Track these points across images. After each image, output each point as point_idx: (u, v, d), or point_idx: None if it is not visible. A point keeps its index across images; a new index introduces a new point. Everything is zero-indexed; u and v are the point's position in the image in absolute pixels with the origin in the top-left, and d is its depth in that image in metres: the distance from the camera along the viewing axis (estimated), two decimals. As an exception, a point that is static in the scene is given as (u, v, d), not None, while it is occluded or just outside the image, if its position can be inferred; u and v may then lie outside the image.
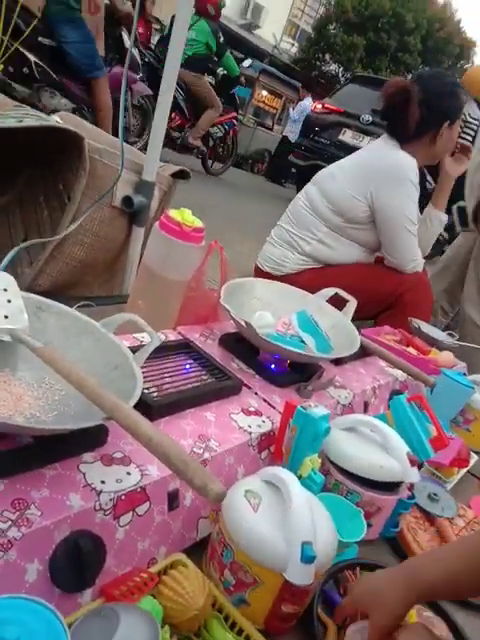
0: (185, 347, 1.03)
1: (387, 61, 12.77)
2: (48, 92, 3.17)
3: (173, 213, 1.09)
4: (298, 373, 1.10)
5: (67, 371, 0.62)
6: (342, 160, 1.79)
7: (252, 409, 0.95)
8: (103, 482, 0.66)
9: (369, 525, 0.89)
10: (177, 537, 0.75)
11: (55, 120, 1.16)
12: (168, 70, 1.25)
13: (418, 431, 1.00)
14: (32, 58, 2.98)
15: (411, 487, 0.91)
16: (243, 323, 1.02)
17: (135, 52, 3.79)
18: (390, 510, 0.89)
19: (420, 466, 1.12)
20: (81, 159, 1.18)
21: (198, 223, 1.10)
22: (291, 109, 8.86)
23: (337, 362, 1.26)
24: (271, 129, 10.10)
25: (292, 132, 8.13)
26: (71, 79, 3.17)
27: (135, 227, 1.37)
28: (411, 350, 1.48)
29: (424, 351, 1.49)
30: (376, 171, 1.64)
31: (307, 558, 0.62)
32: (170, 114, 4.91)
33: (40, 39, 2.98)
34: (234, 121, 5.70)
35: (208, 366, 1.00)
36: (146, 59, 4.31)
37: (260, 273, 1.82)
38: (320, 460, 0.87)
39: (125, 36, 3.49)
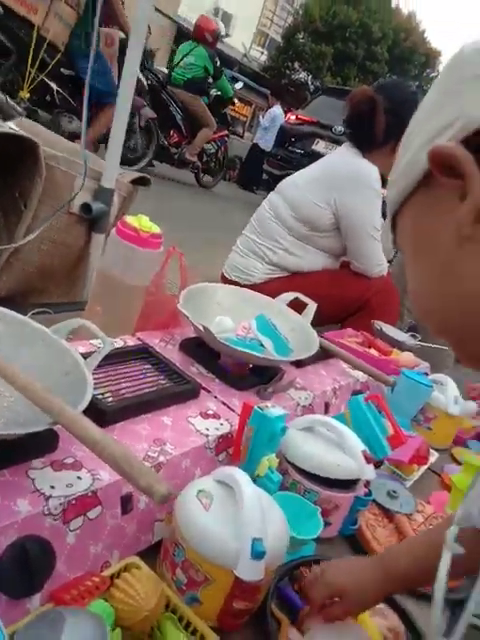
0: (143, 352, 1.03)
1: (355, 70, 13.02)
2: (66, 117, 3.64)
3: (130, 219, 1.10)
4: (258, 376, 1.11)
5: (11, 376, 0.62)
6: (305, 169, 1.83)
7: (210, 412, 0.95)
8: (53, 487, 0.65)
9: (327, 523, 0.91)
10: (131, 540, 0.75)
11: (8, 127, 1.16)
12: (124, 84, 1.26)
13: (375, 429, 1.02)
14: (54, 87, 3.43)
15: (368, 484, 0.93)
16: (201, 328, 1.03)
17: (142, 77, 4.22)
18: (348, 508, 0.91)
19: (380, 464, 1.15)
20: (37, 166, 1.18)
21: (155, 229, 1.11)
22: (261, 117, 8.94)
23: (299, 364, 1.27)
24: (242, 137, 10.19)
25: (262, 139, 8.21)
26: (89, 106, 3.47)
27: (94, 234, 1.37)
28: (373, 351, 1.51)
29: (385, 352, 1.52)
30: (339, 179, 1.67)
31: (257, 554, 0.63)
32: (169, 131, 5.09)
33: (62, 70, 3.41)
34: (226, 138, 6.12)
35: (166, 371, 1.00)
36: (149, 82, 4.66)
37: (227, 282, 1.83)
38: (278, 460, 0.89)
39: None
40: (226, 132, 6.11)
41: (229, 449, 0.93)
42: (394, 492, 1.03)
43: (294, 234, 1.73)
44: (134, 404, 0.86)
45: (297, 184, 1.77)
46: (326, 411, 1.20)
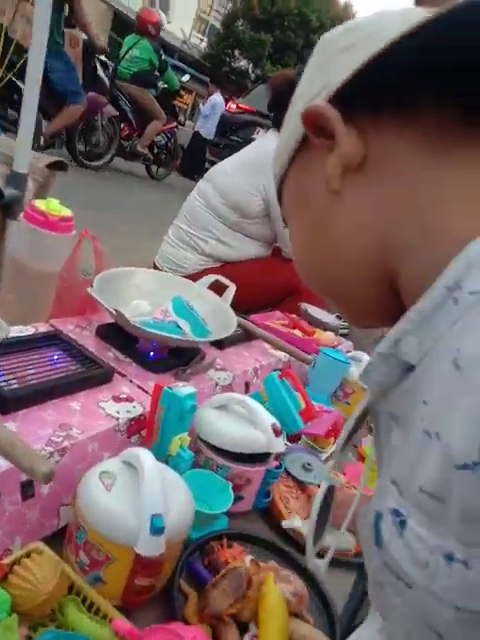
0: (53, 339, 1.01)
1: (295, 58, 13.10)
2: None
3: (38, 203, 1.07)
4: (178, 359, 1.11)
5: None
6: (234, 155, 1.83)
7: (123, 396, 0.95)
8: None
9: (240, 497, 0.93)
10: (35, 526, 0.74)
11: None
12: (32, 62, 1.22)
13: (288, 405, 1.05)
14: (22, 85, 3.22)
15: (278, 457, 0.95)
16: (113, 311, 1.02)
17: (102, 74, 4.52)
18: (259, 481, 0.93)
19: (298, 438, 1.18)
20: None
21: (66, 212, 1.09)
22: (201, 104, 8.85)
23: (220, 346, 1.29)
24: (182, 125, 10.05)
25: (203, 127, 8.12)
26: (51, 103, 3.82)
27: (8, 220, 1.32)
28: (296, 332, 1.55)
29: (308, 332, 1.56)
30: (267, 164, 1.68)
31: (156, 530, 0.64)
32: (120, 125, 5.01)
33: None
34: (175, 130, 6.19)
35: (78, 357, 0.99)
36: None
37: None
38: (189, 438, 0.90)
39: (99, 66, 4.38)
40: (175, 124, 6.19)
41: (143, 431, 0.93)
42: (308, 465, 1.07)
43: (225, 222, 1.74)
44: (39, 390, 0.84)
45: (226, 171, 1.78)
46: (247, 390, 1.22)
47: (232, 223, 1.72)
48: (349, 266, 0.37)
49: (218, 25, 14.99)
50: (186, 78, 7.37)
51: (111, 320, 1.16)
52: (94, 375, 0.94)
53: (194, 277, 1.71)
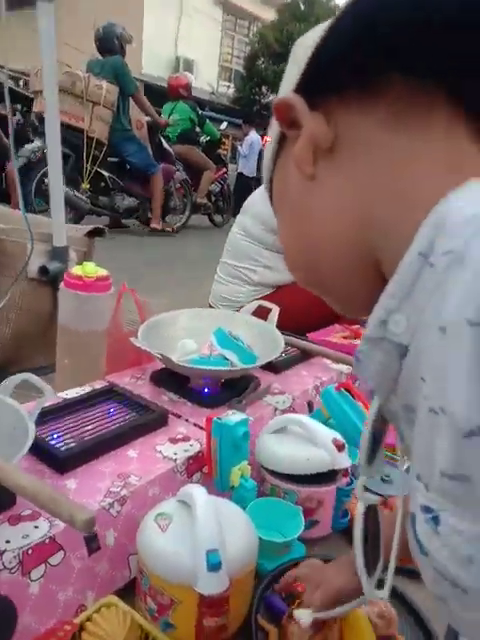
0: (109, 393, 1.04)
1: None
2: (120, 196, 4.55)
3: (74, 269, 1.13)
4: (231, 390, 1.10)
5: None
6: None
7: (180, 436, 0.95)
8: (8, 542, 0.66)
9: (316, 522, 0.89)
10: (106, 579, 0.74)
11: None
12: (50, 137, 1.32)
13: (351, 417, 1.00)
14: (106, 174, 4.35)
15: (347, 473, 0.90)
16: (159, 356, 1.04)
17: (167, 147, 5.14)
18: (332, 502, 0.89)
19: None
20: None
21: (102, 272, 1.14)
22: (239, 146, 9.11)
23: (276, 371, 1.26)
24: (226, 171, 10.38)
25: (246, 167, 8.33)
26: (132, 182, 4.56)
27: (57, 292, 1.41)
28: (358, 341, 1.49)
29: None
30: None
31: (212, 566, 0.62)
32: (190, 187, 5.62)
33: (109, 159, 4.36)
34: (225, 175, 6.56)
35: (133, 405, 1.01)
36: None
37: None
38: (250, 467, 0.87)
39: (163, 141, 5.04)
40: (224, 170, 6.55)
41: (205, 468, 0.92)
42: (388, 477, 1.00)
43: (268, 248, 1.74)
44: (95, 445, 0.86)
45: (254, 198, 1.80)
46: (310, 410, 1.18)
47: (271, 245, 1.72)
48: (332, 252, 0.36)
49: (241, 68, 15.54)
50: (224, 126, 7.73)
51: (162, 365, 1.18)
52: (148, 421, 0.95)
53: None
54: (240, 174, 8.51)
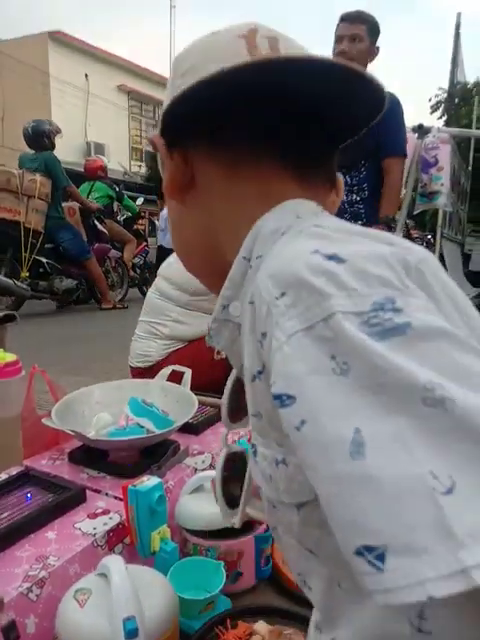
0: (24, 477, 1.04)
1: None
2: (58, 278, 4.90)
3: (-20, 358, 1.14)
4: (151, 457, 1.13)
5: None
6: None
7: (99, 511, 0.96)
8: None
9: (239, 573, 0.91)
10: (29, 669, 0.73)
11: None
12: None
13: (264, 466, 1.05)
14: (44, 260, 4.73)
15: (263, 521, 0.94)
16: (73, 433, 1.05)
17: (101, 228, 5.54)
18: (252, 551, 0.92)
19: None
20: None
21: (9, 357, 1.15)
22: (156, 221, 9.38)
23: (196, 432, 1.30)
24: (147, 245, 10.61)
25: (164, 240, 8.55)
26: (69, 265, 4.92)
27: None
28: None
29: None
30: None
31: (129, 633, 0.63)
32: (123, 263, 6.01)
33: (46, 245, 4.76)
34: (147, 248, 7.02)
35: (50, 486, 1.01)
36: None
37: (134, 371, 1.88)
38: (169, 530, 0.90)
39: (97, 223, 5.44)
40: (145, 243, 7.02)
41: (126, 539, 0.93)
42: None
43: (179, 304, 1.84)
44: (9, 531, 0.86)
45: (169, 262, 1.93)
46: (230, 466, 1.22)
47: (185, 303, 1.82)
48: (196, 253, 0.50)
49: (151, 148, 16.27)
50: (140, 201, 8.04)
51: (80, 443, 1.19)
52: (65, 499, 0.96)
53: (161, 364, 1.76)
54: (160, 247, 8.72)
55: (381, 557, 0.23)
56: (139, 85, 17.25)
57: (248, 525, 0.93)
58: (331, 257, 0.29)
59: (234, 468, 0.55)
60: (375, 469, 0.24)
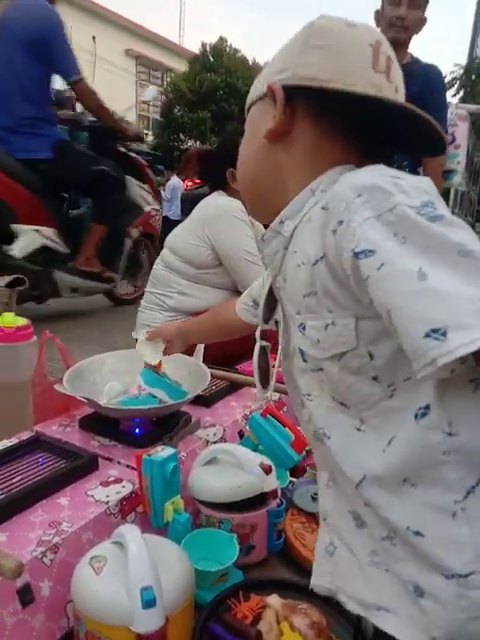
0: (36, 443, 1.03)
1: (235, 124, 13.80)
2: None
3: (-7, 321, 1.12)
4: (164, 428, 1.12)
5: None
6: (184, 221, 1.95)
7: (111, 479, 0.95)
8: None
9: (252, 546, 0.91)
10: (43, 632, 0.73)
11: None
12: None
13: (278, 441, 1.04)
14: None
15: (277, 495, 0.94)
16: (85, 400, 1.04)
17: None
18: (265, 524, 0.92)
19: (303, 472, 1.17)
20: None
21: (21, 321, 1.13)
22: (162, 191, 9.27)
23: (208, 404, 1.29)
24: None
25: (169, 211, 8.48)
26: None
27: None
28: (283, 369, 1.55)
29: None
30: (207, 216, 1.80)
31: (146, 603, 0.63)
32: None
33: None
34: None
35: (61, 453, 1.00)
36: None
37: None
38: (182, 501, 0.89)
39: None
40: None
41: (139, 508, 0.92)
42: (316, 495, 1.04)
43: (184, 277, 1.82)
44: (22, 496, 0.85)
45: (176, 233, 1.89)
46: (242, 438, 1.22)
47: (190, 276, 1.80)
48: (262, 186, 0.59)
49: (158, 117, 15.96)
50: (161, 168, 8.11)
51: (91, 410, 1.18)
52: (77, 466, 0.95)
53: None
54: (165, 217, 8.64)
55: (444, 333, 0.34)
56: (148, 50, 16.81)
57: (262, 499, 0.92)
58: (394, 176, 0.43)
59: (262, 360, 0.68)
60: (435, 284, 0.36)
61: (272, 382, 0.67)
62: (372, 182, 0.42)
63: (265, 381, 0.67)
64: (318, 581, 0.53)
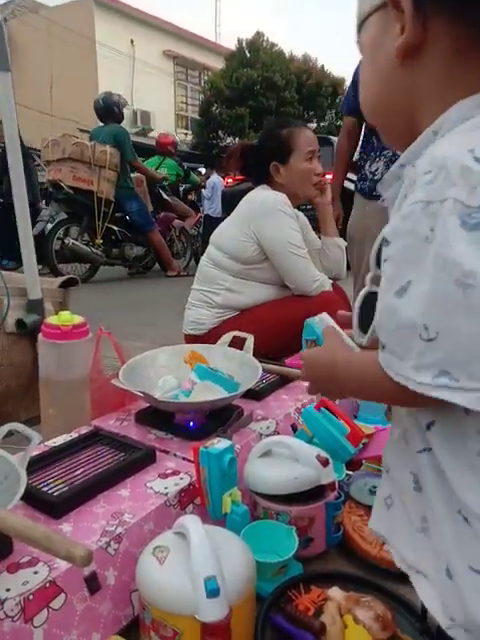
0: (95, 437, 1.06)
1: (274, 118, 13.74)
2: (128, 246, 5.25)
3: (51, 319, 1.16)
4: (217, 421, 1.13)
5: None
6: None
7: (169, 471, 0.97)
8: (8, 590, 0.66)
9: (310, 539, 0.90)
10: (110, 619, 0.75)
11: None
12: (18, 200, 1.36)
13: (333, 433, 1.03)
14: (115, 228, 5.07)
15: (334, 487, 0.93)
16: (142, 394, 1.06)
17: (166, 196, 5.81)
18: (323, 517, 0.91)
19: (359, 465, 1.15)
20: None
21: (77, 319, 1.17)
22: (203, 190, 9.34)
23: (258, 398, 1.30)
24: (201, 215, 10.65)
25: (210, 209, 8.52)
26: (137, 233, 5.23)
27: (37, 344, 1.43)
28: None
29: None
30: (252, 211, 1.79)
31: (211, 592, 0.63)
32: (176, 233, 6.18)
33: (116, 214, 5.04)
34: (201, 220, 7.27)
35: (120, 446, 1.03)
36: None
37: (188, 338, 1.89)
38: (240, 493, 0.89)
39: (162, 192, 5.71)
40: (199, 215, 7.25)
41: (197, 499, 0.93)
42: (374, 488, 1.03)
43: (231, 273, 1.81)
44: (85, 488, 0.87)
45: (222, 228, 1.89)
46: (294, 432, 1.21)
47: (237, 272, 1.79)
48: (391, 107, 0.54)
49: (196, 116, 16.08)
50: (203, 170, 8.25)
51: (146, 405, 1.20)
52: (136, 459, 0.97)
53: (214, 332, 1.76)
54: (206, 216, 8.69)
55: (383, 347, 0.42)
56: (185, 50, 16.94)
57: (319, 492, 0.91)
58: (477, 159, 0.39)
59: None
60: (403, 306, 0.40)
61: (370, 330, 0.65)
62: (447, 160, 0.40)
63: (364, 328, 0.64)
64: (375, 526, 0.54)
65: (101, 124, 5.23)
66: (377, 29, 0.52)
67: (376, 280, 0.64)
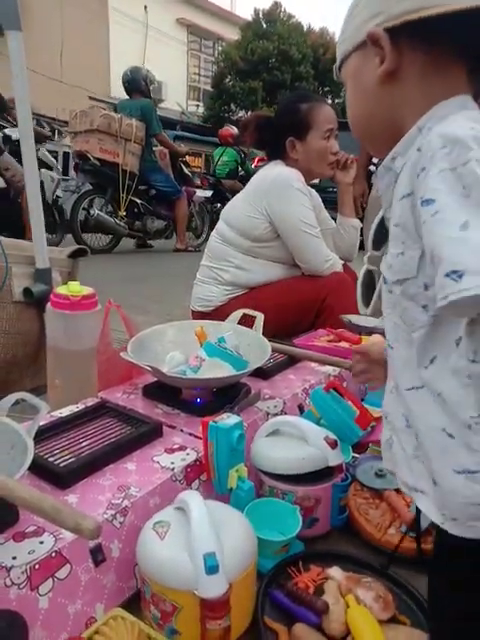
0: (101, 409, 1.05)
1: (288, 93, 13.46)
2: (150, 219, 5.34)
3: (60, 289, 1.14)
4: (224, 398, 1.12)
5: None
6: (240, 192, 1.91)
7: (176, 446, 0.96)
8: (14, 558, 0.67)
9: (315, 519, 0.90)
10: (113, 591, 0.75)
11: None
12: (28, 168, 1.34)
13: (341, 415, 1.02)
14: (138, 201, 5.16)
15: (341, 470, 0.92)
16: (150, 368, 1.05)
17: (187, 171, 5.93)
18: (329, 498, 0.91)
19: (365, 448, 1.14)
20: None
21: (87, 291, 1.15)
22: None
23: (266, 377, 1.29)
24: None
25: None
26: (159, 206, 5.36)
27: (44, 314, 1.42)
28: (343, 344, 1.52)
29: (355, 341, 1.52)
30: (264, 187, 1.74)
31: (210, 568, 0.63)
32: (209, 206, 6.50)
33: (140, 187, 5.14)
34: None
35: (127, 419, 1.02)
36: (211, 181, 6.67)
37: (195, 315, 1.87)
38: (246, 469, 0.89)
39: (184, 167, 5.80)
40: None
41: (203, 475, 0.93)
42: (381, 471, 1.02)
43: (241, 250, 1.78)
44: (92, 459, 0.87)
45: (234, 205, 1.85)
46: (301, 412, 1.20)
47: (246, 250, 1.76)
48: (377, 123, 0.62)
49: (209, 87, 15.75)
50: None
51: (153, 379, 1.19)
52: (143, 433, 0.97)
53: (221, 309, 1.74)
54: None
55: (460, 275, 0.40)
56: (199, 19, 16.49)
57: (327, 473, 0.91)
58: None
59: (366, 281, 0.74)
60: (471, 235, 0.40)
61: (373, 301, 0.72)
62: (458, 135, 0.45)
63: (367, 301, 0.73)
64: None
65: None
66: (358, 62, 0.61)
67: (373, 260, 0.72)
